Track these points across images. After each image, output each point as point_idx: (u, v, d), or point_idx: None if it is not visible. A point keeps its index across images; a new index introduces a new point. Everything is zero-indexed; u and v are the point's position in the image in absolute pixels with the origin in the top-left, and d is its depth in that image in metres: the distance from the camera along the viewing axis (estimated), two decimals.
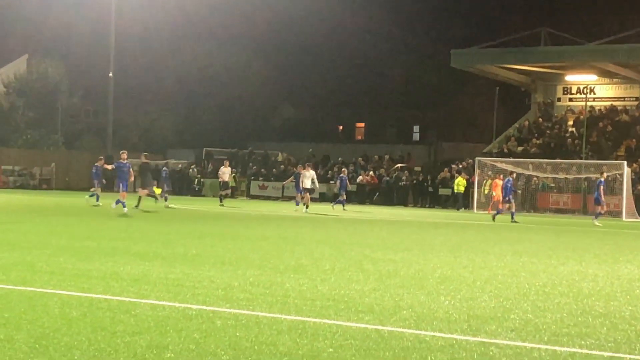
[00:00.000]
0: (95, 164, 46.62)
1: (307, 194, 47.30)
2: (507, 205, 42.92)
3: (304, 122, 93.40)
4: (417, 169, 68.06)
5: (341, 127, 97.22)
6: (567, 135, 65.92)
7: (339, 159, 73.69)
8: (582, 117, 65.27)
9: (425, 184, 63.75)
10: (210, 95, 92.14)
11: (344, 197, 52.68)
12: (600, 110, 67.84)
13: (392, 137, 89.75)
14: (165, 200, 45.21)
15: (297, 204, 48.21)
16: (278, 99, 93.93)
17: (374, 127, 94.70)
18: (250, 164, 76.92)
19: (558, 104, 71.56)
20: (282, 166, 73.74)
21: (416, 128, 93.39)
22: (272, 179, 71.76)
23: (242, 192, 72.45)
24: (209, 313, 11.22)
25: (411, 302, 12.77)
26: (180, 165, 79.97)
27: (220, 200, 51.72)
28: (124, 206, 37.52)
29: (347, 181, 53.78)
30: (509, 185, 42.88)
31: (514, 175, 47.77)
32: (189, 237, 24.82)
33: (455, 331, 10.52)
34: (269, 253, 20.20)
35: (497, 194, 51.88)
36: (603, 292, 14.92)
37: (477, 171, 58.18)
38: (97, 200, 44.21)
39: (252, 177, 73.34)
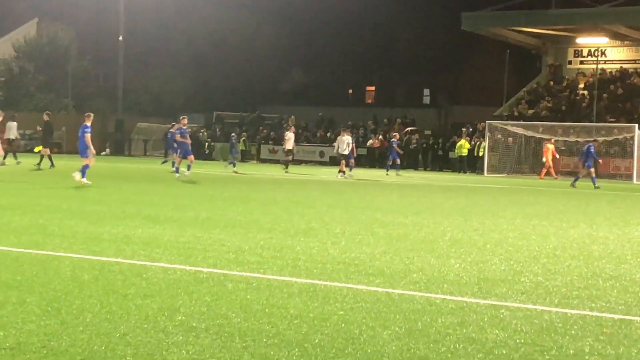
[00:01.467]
0: (170, 130, 46.30)
1: (343, 160, 45.90)
2: (587, 171, 42.43)
3: (314, 85, 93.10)
4: (427, 132, 67.94)
5: (351, 91, 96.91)
6: (578, 98, 65.66)
7: (349, 122, 73.54)
8: (592, 79, 64.98)
9: (436, 147, 63.67)
10: (220, 60, 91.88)
11: (398, 161, 51.49)
12: (611, 72, 67.49)
13: (402, 101, 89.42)
14: (185, 169, 44.80)
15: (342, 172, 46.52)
16: (288, 62, 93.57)
17: (384, 91, 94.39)
18: (261, 127, 76.84)
19: (569, 66, 71.21)
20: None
21: (426, 91, 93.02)
22: (282, 143, 71.66)
23: (253, 156, 72.44)
24: (219, 276, 11.25)
25: (421, 265, 12.79)
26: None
27: (286, 167, 50.39)
28: (177, 170, 37.90)
29: (397, 146, 51.81)
30: (591, 151, 42.35)
31: (597, 142, 47.35)
32: (200, 200, 24.85)
33: (465, 294, 10.54)
34: (280, 217, 20.22)
35: (547, 159, 51.55)
36: (613, 254, 14.92)
37: (487, 135, 58.04)
38: (173, 166, 44.06)
39: (262, 141, 73.28)
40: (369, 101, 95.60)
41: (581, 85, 67.72)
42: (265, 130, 75.04)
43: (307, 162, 66.63)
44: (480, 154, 58.88)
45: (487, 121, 60.05)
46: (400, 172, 51.64)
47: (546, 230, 18.91)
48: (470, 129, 63.57)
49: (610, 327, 8.97)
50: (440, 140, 63.95)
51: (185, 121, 39.69)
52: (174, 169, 38.58)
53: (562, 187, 41.97)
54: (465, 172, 58.15)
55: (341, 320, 8.87)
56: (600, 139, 55.07)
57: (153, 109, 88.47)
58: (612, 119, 59.98)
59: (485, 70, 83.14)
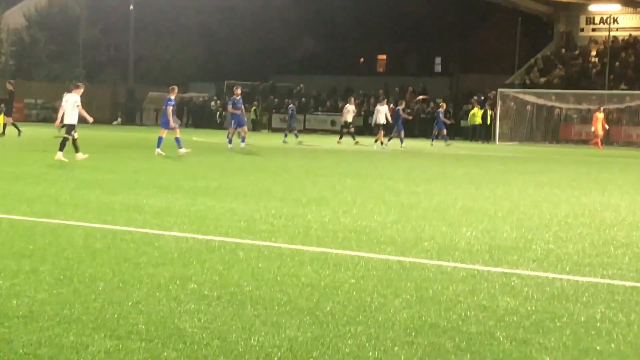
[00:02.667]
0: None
1: (381, 130, 45.48)
2: None
3: (325, 54, 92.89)
4: (439, 100, 67.79)
5: (362, 60, 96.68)
6: (590, 65, 65.39)
7: (360, 91, 73.44)
8: (604, 47, 64.66)
9: (447, 115, 63.52)
10: (230, 28, 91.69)
11: (445, 132, 51.18)
12: (623, 40, 67.15)
13: (413, 69, 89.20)
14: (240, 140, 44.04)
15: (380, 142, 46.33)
16: (299, 31, 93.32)
17: (395, 59, 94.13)
18: (272, 96, 76.76)
19: (581, 34, 70.89)
20: (303, 99, 73.57)
21: (438, 60, 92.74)
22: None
23: (264, 125, 72.45)
24: (231, 245, 11.27)
25: (433, 233, 12.79)
26: (201, 99, 79.91)
27: (341, 137, 49.24)
28: (242, 141, 37.58)
29: (443, 116, 51.40)
30: None
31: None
32: (211, 169, 24.88)
33: (476, 262, 10.55)
34: (291, 185, 20.23)
35: (597, 128, 51.18)
36: (625, 222, 14.90)
37: (498, 103, 57.88)
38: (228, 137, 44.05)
39: (274, 110, 73.23)
40: (380, 70, 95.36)
41: (593, 53, 67.44)
42: (276, 100, 74.96)
43: (318, 131, 66.57)
44: (489, 122, 58.74)
45: (498, 89, 59.91)
46: (450, 141, 51.22)
47: (558, 198, 18.89)
48: (482, 98, 63.40)
49: (622, 295, 8.96)
50: (451, 109, 63.78)
51: (239, 91, 39.04)
52: (227, 139, 37.92)
53: (576, 156, 41.87)
54: (477, 141, 58.04)
55: (352, 288, 8.88)
56: (612, 106, 54.90)
57: (164, 78, 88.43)
58: (624, 87, 59.73)
59: (496, 39, 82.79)
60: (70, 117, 26.52)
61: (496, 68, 76.05)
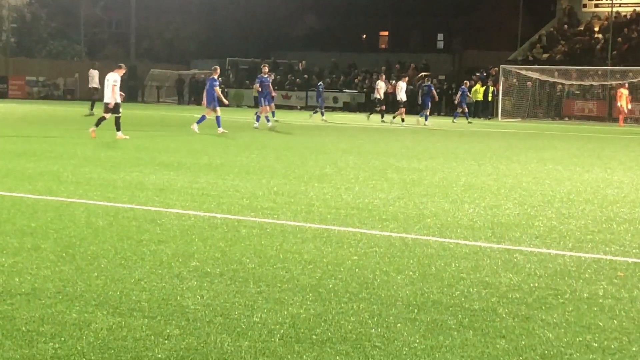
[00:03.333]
0: (211, 78, 45.33)
1: (402, 107, 44.80)
2: None
3: (327, 31, 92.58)
4: (442, 77, 67.63)
5: (364, 36, 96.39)
6: (593, 41, 65.20)
7: (363, 68, 73.29)
8: (607, 23, 64.46)
9: (450, 92, 63.37)
10: (232, 5, 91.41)
11: (466, 109, 50.61)
12: (625, 16, 66.92)
13: (416, 46, 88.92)
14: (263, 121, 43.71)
15: (393, 118, 46.00)
16: (300, 7, 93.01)
17: (397, 36, 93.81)
18: (274, 73, 76.60)
19: (584, 10, 70.57)
20: (305, 76, 73.44)
21: (440, 36, 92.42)
22: (296, 88, 71.57)
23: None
24: (234, 222, 11.28)
25: (435, 210, 12.79)
26: (203, 76, 79.79)
27: (382, 117, 47.97)
28: (268, 120, 36.80)
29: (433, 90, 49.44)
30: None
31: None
32: (214, 147, 24.87)
33: (479, 238, 10.55)
34: (293, 162, 20.23)
35: (622, 104, 50.82)
36: (628, 198, 14.89)
37: (501, 79, 57.76)
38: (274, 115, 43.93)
39: (276, 87, 73.10)
40: (383, 46, 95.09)
41: (596, 29, 67.19)
42: (278, 77, 74.82)
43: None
44: (490, 99, 58.57)
45: (500, 66, 59.75)
46: (471, 119, 50.92)
47: (560, 175, 18.88)
48: (484, 74, 63.25)
49: (624, 271, 8.97)
50: (453, 85, 63.61)
51: (267, 69, 38.59)
52: (256, 116, 36.99)
53: (578, 132, 41.84)
54: (479, 118, 57.95)
55: (355, 265, 8.89)
56: (615, 82, 54.78)
57: (166, 55, 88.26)
58: (627, 63, 59.57)
59: (499, 15, 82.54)
60: (111, 97, 26.95)
61: (498, 44, 75.81)
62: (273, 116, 37.79)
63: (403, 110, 44.88)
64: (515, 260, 9.32)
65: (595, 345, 6.50)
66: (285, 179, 16.36)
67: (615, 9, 65.59)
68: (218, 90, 32.12)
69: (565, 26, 68.81)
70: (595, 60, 61.43)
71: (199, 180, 15.75)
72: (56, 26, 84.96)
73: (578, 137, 37.74)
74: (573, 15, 70.06)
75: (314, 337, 6.50)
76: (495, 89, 58.97)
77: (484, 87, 59.27)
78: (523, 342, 6.50)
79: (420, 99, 48.77)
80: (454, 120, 49.74)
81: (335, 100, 68.41)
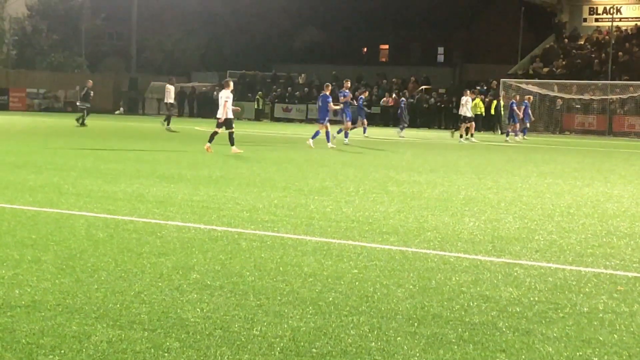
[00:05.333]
0: (361, 96, 45.21)
1: (469, 122, 43.75)
2: None
3: (328, 44, 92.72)
4: (442, 90, 67.67)
5: (365, 49, 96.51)
6: (593, 56, 65.27)
7: (362, 81, 73.35)
8: (608, 37, 64.56)
9: (450, 105, 63.40)
10: (233, 17, 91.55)
11: (517, 126, 47.05)
12: (626, 30, 67.05)
13: (416, 59, 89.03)
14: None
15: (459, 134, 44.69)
16: (302, 20, 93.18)
17: (398, 49, 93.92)
18: (274, 86, 76.67)
19: (584, 24, 70.75)
20: (305, 89, 73.52)
21: (441, 49, 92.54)
22: (296, 101, 71.61)
23: (266, 115, 72.37)
24: (234, 234, 11.28)
25: (435, 223, 12.78)
26: (204, 88, 79.83)
27: (468, 134, 45.43)
28: (346, 135, 35.75)
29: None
30: None
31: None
32: (214, 159, 24.87)
33: (479, 252, 10.54)
34: (294, 175, 20.23)
35: None
36: (628, 212, 14.89)
37: (501, 93, 57.79)
38: (365, 132, 43.74)
39: (276, 100, 73.14)
40: (383, 59, 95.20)
41: (596, 43, 67.29)
42: (279, 89, 74.90)
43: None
44: (492, 112, 58.41)
45: (501, 79, 59.80)
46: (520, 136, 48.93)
47: (560, 189, 18.88)
48: (485, 87, 63.29)
49: (625, 285, 8.96)
50: (454, 99, 63.65)
51: (349, 84, 37.92)
52: (344, 133, 35.70)
53: (576, 145, 41.85)
54: (480, 131, 57.92)
55: (355, 278, 8.88)
56: (615, 96, 54.82)
57: (167, 68, 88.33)
58: (627, 77, 59.64)
59: (499, 29, 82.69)
60: (222, 112, 27.46)
61: (499, 58, 75.93)
62: (340, 132, 37.26)
63: (464, 126, 43.92)
64: (515, 274, 9.31)
65: (596, 359, 6.50)
66: (285, 192, 16.36)
67: (615, 24, 65.73)
68: (332, 105, 32.97)
69: (566, 40, 68.93)
70: (595, 74, 61.49)
71: (199, 193, 15.75)
72: (57, 38, 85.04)
73: (578, 150, 37.75)
74: (574, 29, 70.20)
75: (314, 350, 6.49)
76: (497, 102, 58.86)
77: (494, 101, 58.98)
78: (523, 356, 6.50)
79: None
80: (525, 137, 47.42)
81: (334, 113, 68.43)
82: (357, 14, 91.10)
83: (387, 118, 64.84)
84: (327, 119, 32.60)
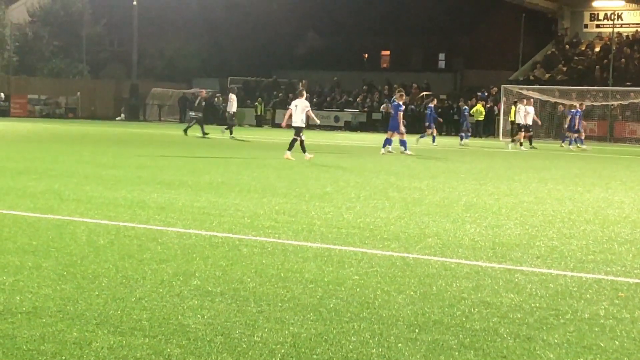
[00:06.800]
0: (429, 105, 45.15)
1: (524, 131, 43.40)
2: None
3: (329, 50, 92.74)
4: (443, 96, 67.70)
5: (366, 55, 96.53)
6: (594, 62, 65.31)
7: (364, 87, 73.37)
8: (609, 43, 64.59)
9: (451, 111, 63.42)
10: (234, 24, 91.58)
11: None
12: (627, 36, 67.07)
13: (417, 65, 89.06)
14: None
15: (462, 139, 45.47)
16: (303, 27, 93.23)
17: (399, 55, 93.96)
18: (275, 92, 76.68)
19: (585, 30, 70.80)
20: (307, 95, 73.52)
21: (442, 55, 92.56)
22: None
23: (268, 121, 72.40)
24: (235, 241, 11.27)
25: (436, 229, 12.78)
26: (205, 94, 79.85)
27: (520, 143, 44.60)
28: (390, 144, 34.87)
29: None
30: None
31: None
32: (215, 165, 24.88)
33: (480, 258, 10.54)
34: (295, 181, 20.23)
35: None
36: (629, 219, 14.88)
37: (502, 99, 57.82)
38: (434, 141, 43.66)
39: (278, 106, 73.17)
40: (384, 66, 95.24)
41: (597, 49, 67.34)
42: (280, 95, 74.91)
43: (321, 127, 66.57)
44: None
45: (502, 85, 59.82)
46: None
47: (561, 195, 18.88)
48: (486, 93, 63.32)
49: (626, 291, 8.95)
50: (455, 105, 63.71)
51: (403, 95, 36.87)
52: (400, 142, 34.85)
53: (580, 152, 41.83)
54: (481, 137, 57.97)
55: (356, 284, 8.88)
56: (616, 102, 54.82)
57: (168, 74, 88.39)
58: (629, 83, 59.66)
59: (500, 35, 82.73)
60: (299, 120, 28.60)
61: (500, 64, 75.98)
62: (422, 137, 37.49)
63: (521, 134, 43.63)
64: (516, 280, 9.31)
65: None
66: (286, 198, 16.36)
67: (616, 30, 65.75)
68: (400, 115, 33.61)
69: (567, 46, 68.95)
70: (596, 80, 61.50)
71: (200, 199, 15.75)
72: (58, 44, 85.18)
73: (579, 156, 37.74)
74: (574, 35, 70.24)
75: (314, 357, 6.49)
76: (497, 108, 58.89)
77: (484, 107, 59.12)
78: None
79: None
80: (581, 145, 46.21)
81: (336, 119, 68.57)
82: (358, 20, 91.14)
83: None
84: (400, 127, 33.55)
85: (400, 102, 33.92)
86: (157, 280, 8.76)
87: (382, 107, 66.04)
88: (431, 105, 42.06)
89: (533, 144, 44.50)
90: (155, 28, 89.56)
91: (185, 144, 37.10)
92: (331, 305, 7.98)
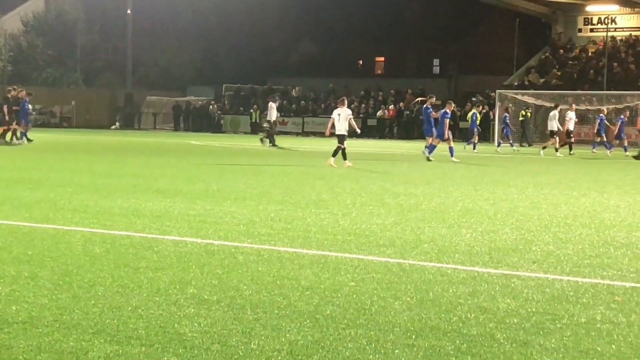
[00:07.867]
0: (475, 112, 45.21)
1: (555, 137, 43.41)
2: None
3: (324, 57, 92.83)
4: (437, 102, 67.63)
5: (361, 62, 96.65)
6: (588, 66, 65.39)
7: (361, 92, 73.43)
8: (603, 47, 64.68)
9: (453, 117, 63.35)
10: (228, 31, 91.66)
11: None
12: (621, 40, 67.17)
13: (412, 71, 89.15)
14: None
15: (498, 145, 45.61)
16: (296, 33, 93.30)
17: (393, 61, 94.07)
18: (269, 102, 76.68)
19: (579, 35, 70.91)
20: (302, 102, 73.59)
21: (436, 61, 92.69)
22: (292, 114, 71.66)
23: (262, 128, 72.40)
24: (231, 248, 11.27)
25: (432, 235, 12.78)
26: (200, 102, 79.91)
27: (570, 149, 44.26)
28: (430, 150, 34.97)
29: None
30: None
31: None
32: (210, 173, 24.87)
33: (476, 264, 10.54)
34: (290, 188, 20.22)
35: None
36: (625, 223, 14.89)
37: (497, 104, 57.83)
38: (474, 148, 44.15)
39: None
40: (379, 72, 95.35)
41: (591, 54, 67.42)
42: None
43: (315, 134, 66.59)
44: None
45: (497, 90, 59.85)
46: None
47: (557, 199, 18.88)
48: (481, 99, 63.35)
49: (622, 295, 8.96)
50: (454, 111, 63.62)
51: (433, 100, 36.95)
52: (426, 150, 34.88)
53: (574, 156, 41.88)
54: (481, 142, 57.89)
55: (352, 291, 8.87)
56: (610, 106, 54.83)
57: (162, 82, 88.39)
58: (623, 87, 59.72)
59: (495, 40, 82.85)
60: (342, 129, 29.43)
61: (494, 69, 76.07)
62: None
63: (555, 141, 43.65)
64: (512, 285, 9.31)
65: None
66: (282, 205, 16.35)
67: (610, 34, 65.85)
68: (447, 122, 34.31)
69: (561, 51, 69.03)
70: (591, 84, 61.57)
71: (195, 207, 15.74)
72: (52, 54, 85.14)
73: (574, 161, 37.77)
74: (568, 40, 70.33)
75: None
76: (491, 113, 58.86)
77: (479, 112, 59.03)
78: None
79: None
80: (594, 150, 46.84)
81: (332, 126, 68.53)
82: (352, 26, 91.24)
83: (383, 130, 64.88)
84: (445, 134, 34.21)
85: (449, 111, 34.89)
86: (153, 289, 8.75)
87: (378, 113, 65.94)
88: (447, 111, 41.46)
89: (572, 151, 43.94)
90: (150, 37, 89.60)
91: (179, 152, 37.06)
92: (328, 312, 7.97)
